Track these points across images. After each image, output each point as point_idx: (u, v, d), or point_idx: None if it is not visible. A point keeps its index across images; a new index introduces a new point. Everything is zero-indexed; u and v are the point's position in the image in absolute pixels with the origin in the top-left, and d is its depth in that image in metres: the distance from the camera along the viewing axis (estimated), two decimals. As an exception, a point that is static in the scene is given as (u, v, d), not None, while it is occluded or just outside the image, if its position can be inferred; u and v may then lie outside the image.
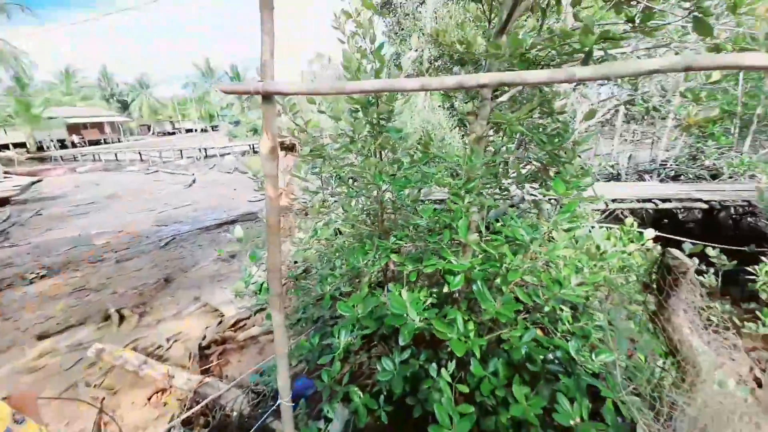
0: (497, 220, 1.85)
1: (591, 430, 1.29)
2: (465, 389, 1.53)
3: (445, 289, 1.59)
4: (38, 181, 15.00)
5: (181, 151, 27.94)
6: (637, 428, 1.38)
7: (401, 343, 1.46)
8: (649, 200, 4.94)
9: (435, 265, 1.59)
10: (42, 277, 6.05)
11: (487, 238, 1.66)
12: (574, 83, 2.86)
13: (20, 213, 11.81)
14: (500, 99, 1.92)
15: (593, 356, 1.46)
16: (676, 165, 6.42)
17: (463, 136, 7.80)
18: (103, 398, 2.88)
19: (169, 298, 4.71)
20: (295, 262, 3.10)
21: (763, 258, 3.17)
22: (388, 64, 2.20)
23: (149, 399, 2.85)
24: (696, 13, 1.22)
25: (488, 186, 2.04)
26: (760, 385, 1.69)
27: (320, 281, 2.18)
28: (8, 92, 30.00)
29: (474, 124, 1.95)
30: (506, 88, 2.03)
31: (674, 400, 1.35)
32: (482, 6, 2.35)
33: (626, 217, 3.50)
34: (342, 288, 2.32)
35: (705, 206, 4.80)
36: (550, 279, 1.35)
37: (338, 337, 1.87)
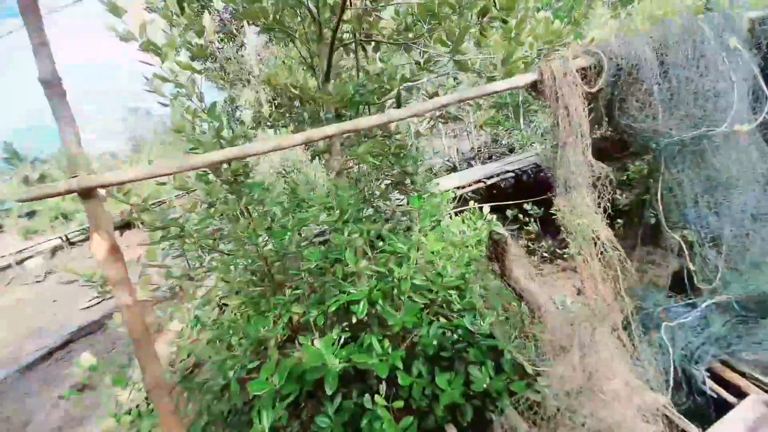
0: (378, 238, 2.06)
1: (499, 384, 1.59)
2: (400, 404, 1.63)
3: (354, 320, 1.68)
4: None
5: (-59, 274, 19.23)
6: (526, 367, 1.75)
7: (329, 392, 1.46)
8: (480, 180, 6.28)
9: (338, 302, 1.65)
10: None
11: (375, 258, 1.84)
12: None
13: None
14: (346, 134, 2.17)
15: (482, 321, 1.79)
16: (487, 149, 8.43)
17: (324, 167, 8.14)
18: None
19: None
20: (182, 361, 2.65)
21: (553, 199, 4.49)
22: (224, 111, 2.16)
23: None
24: (455, 58, 1.70)
25: (362, 210, 2.25)
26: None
27: (219, 369, 1.92)
28: None
29: (331, 161, 2.13)
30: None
31: (533, 333, 1.78)
32: (302, 56, 2.58)
33: (470, 198, 4.41)
34: (248, 365, 2.11)
35: (513, 175, 6.43)
36: (433, 275, 1.62)
37: (261, 422, 1.70)
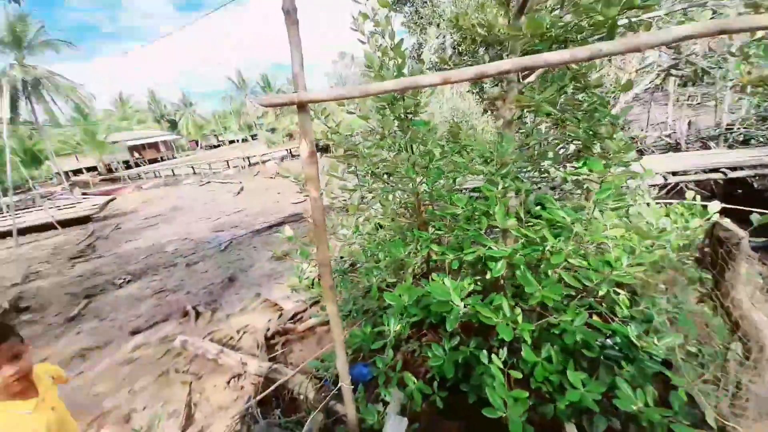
0: (539, 204, 1.88)
1: (656, 416, 1.27)
2: (518, 375, 1.56)
3: (488, 276, 1.67)
4: (113, 199, 17.01)
5: (227, 161, 30.00)
6: (707, 415, 1.33)
7: (448, 329, 1.56)
8: (717, 170, 4.51)
9: (475, 253, 1.67)
10: (128, 282, 6.97)
11: (529, 222, 1.70)
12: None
13: (102, 229, 13.53)
14: (528, 80, 1.93)
15: (656, 341, 1.41)
16: (744, 128, 5.73)
17: (496, 120, 7.60)
18: (191, 382, 3.34)
19: (235, 295, 5.23)
20: (341, 257, 3.32)
21: None
22: (410, 55, 2.29)
23: (228, 383, 3.25)
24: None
25: (524, 170, 2.07)
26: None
27: (366, 274, 2.35)
28: (74, 122, 33.99)
29: (503, 109, 1.98)
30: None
31: (739, 380, 1.34)
32: None
33: (692, 191, 3.24)
34: (388, 279, 2.48)
35: (783, 170, 4.29)
36: (599, 261, 1.38)
37: (388, 326, 2.02)
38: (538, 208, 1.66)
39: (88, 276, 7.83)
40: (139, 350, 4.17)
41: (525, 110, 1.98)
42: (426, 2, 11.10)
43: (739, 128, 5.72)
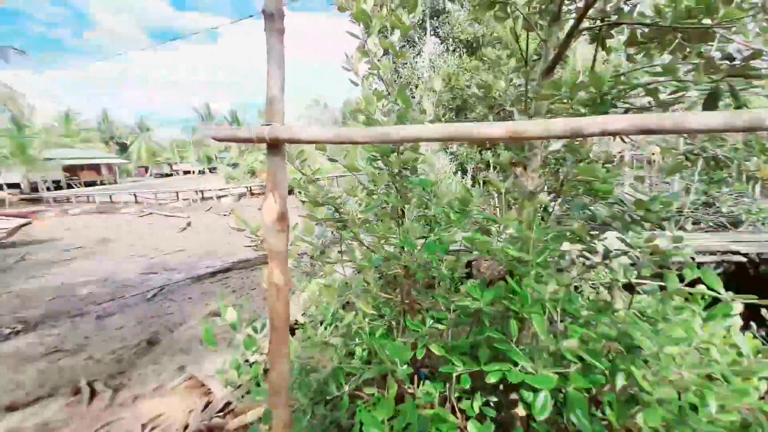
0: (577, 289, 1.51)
1: None
2: None
3: (519, 410, 1.20)
4: (27, 223, 14.50)
5: (177, 193, 27.79)
6: None
7: None
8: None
9: (500, 372, 1.21)
10: (18, 332, 5.42)
11: (564, 331, 1.30)
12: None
13: (5, 258, 11.19)
14: (552, 147, 1.67)
15: None
16: (691, 212, 6.23)
17: (472, 180, 7.66)
18: None
19: (151, 366, 4.12)
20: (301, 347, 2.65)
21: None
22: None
23: None
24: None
25: (561, 255, 1.70)
26: None
27: (333, 374, 1.76)
28: (5, 133, 30.33)
29: (522, 178, 1.68)
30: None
31: None
32: (515, 44, 2.19)
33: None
34: (364, 375, 1.89)
35: (742, 259, 4.50)
36: (679, 405, 0.97)
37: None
38: (580, 302, 1.28)
39: (-40, 322, 6.04)
40: (-4, 448, 2.94)
41: (550, 182, 1.69)
42: (405, 63, 11.80)
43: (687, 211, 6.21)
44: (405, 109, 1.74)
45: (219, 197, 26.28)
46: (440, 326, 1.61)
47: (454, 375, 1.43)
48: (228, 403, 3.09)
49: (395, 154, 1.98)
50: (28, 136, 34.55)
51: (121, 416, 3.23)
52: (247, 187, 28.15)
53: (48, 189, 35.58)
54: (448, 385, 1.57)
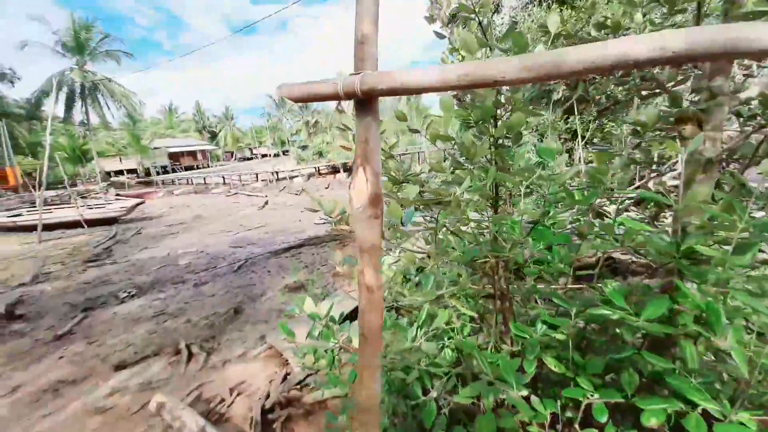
0: None
1: None
2: None
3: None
4: (141, 202, 17.17)
5: (256, 174, 30.48)
6: None
7: None
8: None
9: (663, 413, 0.82)
10: (132, 296, 6.40)
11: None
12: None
13: (124, 232, 13.45)
14: (744, 93, 1.12)
15: None
16: None
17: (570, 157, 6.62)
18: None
19: (237, 333, 4.46)
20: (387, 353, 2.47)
21: None
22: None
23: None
24: None
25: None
26: None
27: (419, 377, 1.52)
28: (123, 127, 36.19)
29: (698, 139, 1.16)
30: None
31: None
32: None
33: None
34: (450, 377, 1.62)
35: None
36: None
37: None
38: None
39: (96, 284, 7.38)
40: (115, 397, 3.43)
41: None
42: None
43: None
44: (524, 45, 1.31)
45: (291, 177, 28.12)
46: (556, 335, 1.24)
47: (583, 403, 1.07)
48: (307, 376, 3.14)
49: (493, 120, 1.58)
50: (141, 129, 40.86)
51: (211, 379, 3.52)
52: (315, 167, 29.60)
53: (157, 173, 41.81)
54: (559, 404, 1.22)
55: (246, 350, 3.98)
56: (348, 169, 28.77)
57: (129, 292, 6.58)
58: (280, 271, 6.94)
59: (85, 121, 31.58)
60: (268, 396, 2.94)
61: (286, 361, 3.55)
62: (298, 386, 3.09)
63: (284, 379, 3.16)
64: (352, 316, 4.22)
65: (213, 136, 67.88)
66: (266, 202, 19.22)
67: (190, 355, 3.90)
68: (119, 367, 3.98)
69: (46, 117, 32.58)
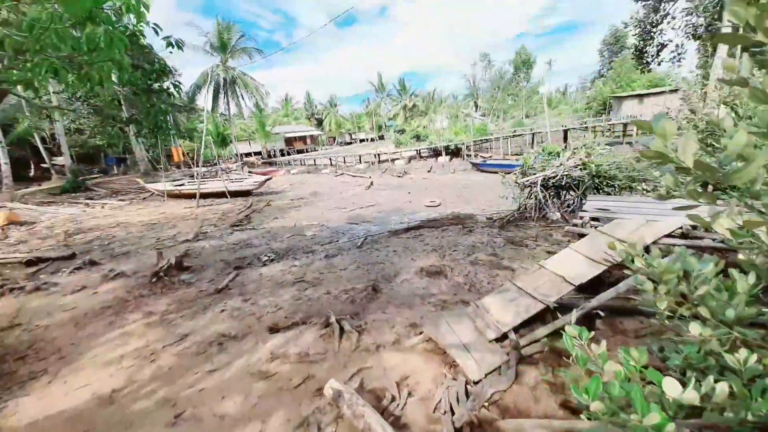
0: None
1: None
2: None
3: None
4: (269, 178, 19.25)
5: (360, 156, 31.64)
6: None
7: None
8: None
9: None
10: (272, 260, 6.77)
11: None
12: None
13: (257, 203, 15.14)
14: None
15: None
16: None
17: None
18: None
19: (382, 314, 4.05)
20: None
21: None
22: None
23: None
24: None
25: None
26: None
27: None
28: (253, 115, 41.68)
29: None
30: None
31: None
32: None
33: None
34: None
35: None
36: None
37: None
38: None
39: (241, 246, 8.17)
40: (275, 363, 3.31)
41: None
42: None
43: None
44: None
45: (392, 160, 28.25)
46: None
47: None
48: (496, 392, 2.42)
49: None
50: (265, 117, 46.60)
51: (369, 365, 3.11)
52: (416, 150, 29.12)
53: (275, 155, 47.31)
54: None
55: (398, 337, 3.49)
56: (450, 152, 27.40)
57: (269, 257, 7.00)
58: (407, 252, 6.46)
59: (226, 111, 37.31)
60: (452, 412, 2.31)
61: (453, 362, 2.89)
62: (488, 403, 2.39)
63: (466, 392, 2.49)
64: (539, 317, 3.31)
65: (319, 122, 73.72)
66: (371, 183, 19.53)
67: (342, 331, 3.60)
68: (273, 329, 3.96)
69: (199, 107, 39.57)
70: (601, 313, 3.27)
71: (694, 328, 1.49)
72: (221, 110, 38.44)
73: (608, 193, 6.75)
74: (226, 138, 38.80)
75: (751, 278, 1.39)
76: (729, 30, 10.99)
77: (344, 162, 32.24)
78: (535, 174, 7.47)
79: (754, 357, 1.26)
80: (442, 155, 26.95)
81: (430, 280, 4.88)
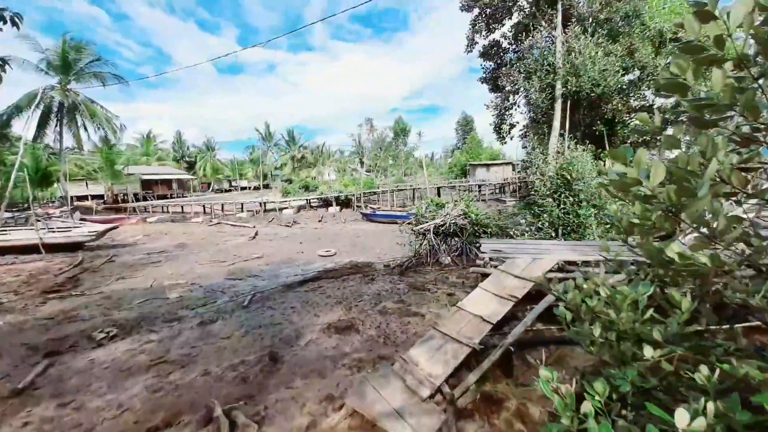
0: None
1: None
2: None
3: None
4: (114, 227, 15.23)
5: (242, 204, 28.85)
6: None
7: None
8: None
9: None
10: (112, 337, 4.91)
11: None
12: None
13: (93, 259, 11.53)
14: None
15: None
16: None
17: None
18: None
19: (286, 391, 3.20)
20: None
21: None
22: None
23: None
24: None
25: None
26: None
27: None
28: (97, 150, 33.87)
29: None
30: None
31: None
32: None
33: None
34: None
35: None
36: None
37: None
38: None
39: (60, 320, 5.75)
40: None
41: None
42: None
43: None
44: None
45: (281, 209, 26.72)
46: None
47: None
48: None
49: None
50: (117, 153, 38.57)
51: (277, 468, 2.28)
52: (306, 200, 28.48)
53: (127, 200, 38.99)
54: None
55: (313, 418, 2.76)
56: (340, 203, 27.89)
57: (108, 332, 5.07)
58: (308, 307, 5.70)
59: (54, 143, 29.25)
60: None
61: (387, 436, 2.39)
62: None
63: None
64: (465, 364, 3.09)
65: (191, 165, 65.96)
66: (256, 233, 17.73)
67: (233, 427, 2.63)
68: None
69: (13, 135, 29.75)
70: (512, 348, 3.36)
71: (648, 351, 1.52)
72: (49, 141, 29.90)
73: (484, 237, 7.73)
74: (50, 175, 30.04)
75: (686, 302, 1.50)
76: (558, 118, 15.28)
77: (222, 210, 28.76)
78: (427, 222, 8.03)
79: (717, 372, 1.29)
80: (332, 205, 27.11)
81: (341, 338, 4.29)
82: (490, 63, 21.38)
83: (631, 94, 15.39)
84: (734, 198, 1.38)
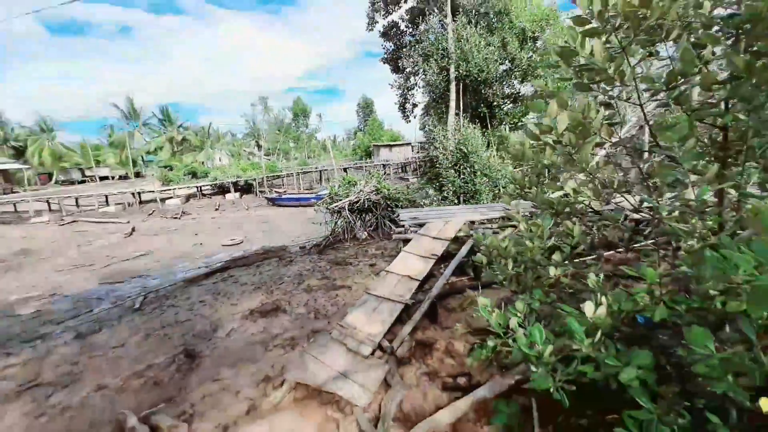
0: None
1: None
2: None
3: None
4: None
5: (106, 197, 23.55)
6: None
7: None
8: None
9: None
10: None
11: None
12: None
13: None
14: None
15: None
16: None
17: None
18: None
19: (214, 384, 2.92)
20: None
21: None
22: None
23: None
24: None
25: None
26: None
27: None
28: None
29: None
30: None
31: None
32: None
33: None
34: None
35: None
36: None
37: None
38: None
39: None
40: None
41: None
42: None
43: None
44: None
45: (163, 200, 22.77)
46: None
47: None
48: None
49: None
50: None
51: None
52: (197, 187, 24.92)
53: None
54: None
55: (252, 401, 2.61)
56: (240, 189, 25.40)
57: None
58: (221, 298, 5.19)
59: None
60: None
61: (335, 397, 2.45)
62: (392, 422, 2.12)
63: (375, 419, 2.13)
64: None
65: (19, 152, 50.37)
66: (133, 229, 14.87)
67: (154, 431, 2.30)
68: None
69: None
70: (435, 300, 3.76)
71: (551, 270, 1.93)
72: None
73: (397, 211, 8.21)
74: None
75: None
76: (454, 99, 16.69)
77: (77, 205, 22.98)
78: (341, 200, 8.04)
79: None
80: (230, 192, 24.48)
81: (267, 321, 4.06)
82: (390, 44, 21.94)
83: (503, 83, 17.99)
84: (603, 146, 1.84)
